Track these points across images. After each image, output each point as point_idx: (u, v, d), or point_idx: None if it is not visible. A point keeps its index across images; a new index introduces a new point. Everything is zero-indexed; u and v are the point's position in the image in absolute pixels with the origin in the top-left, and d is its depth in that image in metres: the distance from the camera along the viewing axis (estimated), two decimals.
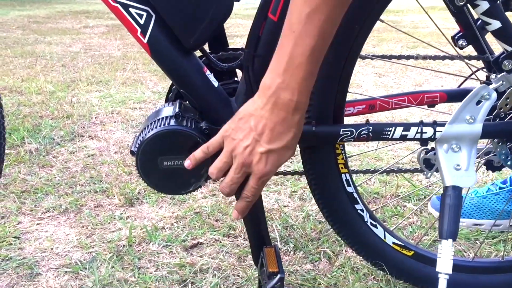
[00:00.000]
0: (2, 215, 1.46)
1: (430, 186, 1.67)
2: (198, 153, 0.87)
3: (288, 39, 0.75)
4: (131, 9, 0.87)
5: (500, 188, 1.41)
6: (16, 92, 2.75)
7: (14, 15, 6.76)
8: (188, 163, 0.88)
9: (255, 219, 0.96)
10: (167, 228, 1.41)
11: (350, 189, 1.04)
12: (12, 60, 3.64)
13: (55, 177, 1.71)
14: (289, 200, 1.59)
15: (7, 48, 4.13)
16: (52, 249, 1.30)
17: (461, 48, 1.22)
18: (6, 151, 1.88)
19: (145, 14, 0.88)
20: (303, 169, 1.05)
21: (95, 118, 2.34)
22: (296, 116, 0.78)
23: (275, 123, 0.78)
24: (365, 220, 1.07)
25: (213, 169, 0.85)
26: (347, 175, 1.03)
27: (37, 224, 1.43)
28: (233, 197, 1.59)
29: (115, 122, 2.31)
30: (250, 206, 0.87)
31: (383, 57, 1.08)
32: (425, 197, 1.60)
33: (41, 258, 1.26)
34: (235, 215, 0.89)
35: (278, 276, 0.87)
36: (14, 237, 1.35)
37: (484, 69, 1.16)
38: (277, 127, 0.78)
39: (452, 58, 1.06)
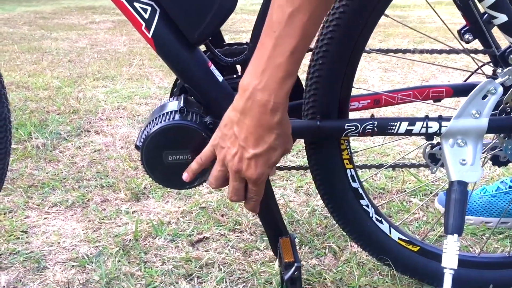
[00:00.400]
0: (10, 209, 1.47)
1: (436, 181, 1.66)
2: (194, 165, 0.87)
3: (269, 39, 0.73)
4: (135, 4, 0.88)
5: (510, 187, 1.40)
6: (23, 88, 2.76)
7: (20, 11, 6.78)
8: (185, 176, 0.88)
9: (268, 212, 0.96)
10: (173, 222, 1.41)
11: (355, 185, 1.04)
12: (19, 56, 3.65)
13: (62, 172, 1.72)
14: (295, 195, 1.59)
15: (14, 44, 4.14)
16: (59, 243, 1.31)
17: (467, 42, 1.21)
18: (14, 146, 1.89)
19: (149, 8, 0.88)
20: (308, 165, 1.05)
21: (102, 113, 2.35)
22: (276, 117, 0.76)
23: (254, 126, 0.77)
24: (371, 215, 1.06)
25: (211, 179, 0.85)
26: (352, 170, 1.03)
27: (44, 218, 1.44)
28: None
29: (121, 117, 2.32)
30: (258, 203, 0.87)
31: (387, 51, 1.08)
32: (431, 193, 1.60)
33: (48, 252, 1.27)
34: (250, 210, 0.89)
35: (295, 265, 0.87)
36: (21, 231, 1.36)
37: (491, 64, 1.15)
38: (257, 130, 0.77)
39: (457, 52, 1.06)
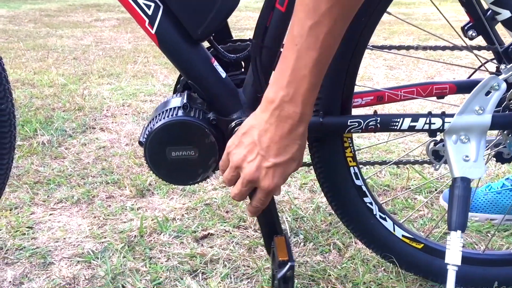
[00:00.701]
0: (16, 206, 1.48)
1: (441, 178, 1.66)
2: (223, 173, 0.88)
3: (291, 52, 0.75)
4: (139, 0, 0.88)
5: None
6: (28, 85, 2.77)
7: (26, 8, 6.79)
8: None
9: (267, 211, 0.96)
10: (178, 219, 1.42)
11: (358, 182, 1.04)
12: (24, 53, 3.66)
13: (67, 169, 1.73)
14: (299, 192, 1.59)
15: (19, 41, 4.16)
16: (64, 239, 1.32)
17: (471, 39, 1.21)
18: (19, 142, 1.90)
19: (153, 4, 0.89)
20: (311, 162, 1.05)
21: (107, 110, 2.36)
22: (301, 128, 0.78)
23: (280, 136, 0.78)
24: (374, 213, 1.07)
25: (224, 179, 0.86)
26: (356, 168, 1.03)
27: (50, 214, 1.45)
28: None
29: (126, 114, 2.32)
30: (261, 210, 0.89)
31: (390, 48, 1.07)
32: (436, 190, 1.60)
33: (54, 247, 1.28)
34: (249, 214, 0.91)
35: (289, 264, 0.88)
36: (27, 227, 1.37)
37: (494, 60, 1.15)
38: (282, 140, 0.78)
39: (460, 49, 1.05)
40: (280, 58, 0.77)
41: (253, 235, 1.34)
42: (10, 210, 1.46)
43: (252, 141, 0.80)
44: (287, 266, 0.88)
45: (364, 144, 1.97)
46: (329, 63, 0.77)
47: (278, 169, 0.80)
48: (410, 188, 1.60)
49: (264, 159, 0.79)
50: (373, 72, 3.20)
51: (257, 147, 0.79)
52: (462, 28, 1.22)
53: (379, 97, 1.10)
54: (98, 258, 1.23)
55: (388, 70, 3.27)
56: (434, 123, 0.95)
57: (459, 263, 0.91)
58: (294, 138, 0.79)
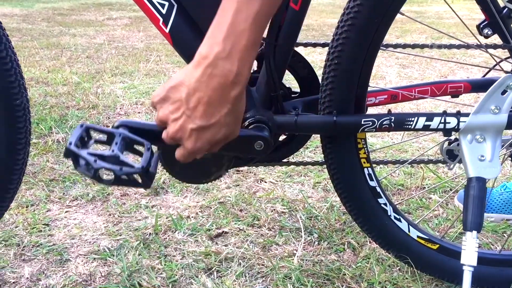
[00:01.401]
0: (32, 203, 1.50)
1: (456, 178, 1.66)
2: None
3: (230, 4, 0.69)
4: None
5: None
6: (42, 83, 2.80)
7: (39, 7, 6.85)
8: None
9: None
10: (192, 217, 1.43)
11: (372, 184, 1.03)
12: (38, 52, 3.70)
13: None
14: (313, 191, 1.59)
15: (33, 40, 4.19)
16: (80, 236, 1.34)
17: (486, 37, 1.20)
18: (34, 140, 1.92)
19: (167, 3, 0.89)
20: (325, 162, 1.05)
21: (120, 108, 2.38)
22: (234, 90, 0.72)
23: (209, 97, 0.72)
24: (389, 214, 1.06)
25: (155, 121, 0.80)
26: (370, 169, 1.03)
27: (66, 211, 1.46)
28: (257, 187, 1.61)
29: (139, 112, 2.34)
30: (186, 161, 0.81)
31: (404, 47, 1.07)
32: (450, 190, 1.59)
33: (70, 244, 1.30)
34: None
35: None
36: (43, 224, 1.39)
37: (510, 59, 1.14)
38: (211, 101, 0.72)
39: (476, 48, 1.05)
40: (218, 11, 0.71)
41: (267, 233, 1.34)
42: (27, 207, 1.48)
43: (179, 98, 0.74)
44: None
45: (377, 143, 1.97)
46: (269, 19, 0.72)
47: (204, 133, 0.74)
48: (425, 187, 1.60)
49: (189, 120, 0.74)
50: (386, 71, 3.19)
51: (184, 106, 0.73)
52: (477, 26, 1.21)
53: (393, 96, 1.09)
54: (114, 256, 1.24)
55: (400, 68, 3.25)
56: (449, 123, 0.94)
57: (475, 264, 0.91)
58: (225, 101, 0.72)
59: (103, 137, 0.82)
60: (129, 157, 0.79)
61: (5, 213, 1.10)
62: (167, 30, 0.90)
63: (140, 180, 0.79)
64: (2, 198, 1.03)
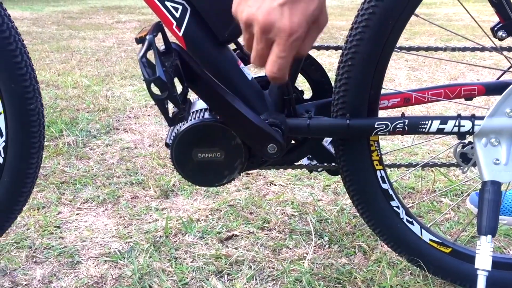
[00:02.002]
0: (43, 205, 1.50)
1: (467, 181, 1.64)
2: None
3: None
4: (167, 3, 0.89)
5: None
6: (53, 86, 2.81)
7: (48, 10, 6.90)
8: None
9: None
10: (202, 220, 1.43)
11: (385, 186, 1.03)
12: (48, 55, 3.72)
13: (93, 169, 1.75)
14: (323, 194, 1.59)
15: (43, 43, 4.22)
16: (91, 238, 1.34)
17: (501, 39, 1.19)
18: (46, 143, 1.92)
19: (180, 7, 0.89)
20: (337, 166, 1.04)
21: (129, 111, 2.38)
22: None
23: None
24: (401, 217, 1.05)
25: (246, 47, 0.74)
26: (382, 171, 1.02)
27: (77, 214, 1.47)
28: (267, 190, 1.60)
29: (148, 115, 2.34)
30: (286, 67, 0.72)
31: (418, 49, 1.07)
32: (462, 193, 1.58)
33: (81, 247, 1.30)
34: (270, 77, 0.74)
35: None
36: (55, 227, 1.39)
37: None
38: None
39: (490, 50, 1.04)
40: None
41: (278, 236, 1.34)
42: (38, 209, 1.48)
43: None
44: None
45: (387, 146, 1.96)
46: None
47: (296, 5, 0.66)
48: (436, 191, 1.59)
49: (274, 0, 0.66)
50: (395, 73, 3.18)
51: None
52: (492, 29, 1.20)
53: (406, 99, 1.09)
54: (124, 258, 1.24)
55: (410, 71, 3.24)
56: (463, 126, 0.93)
57: (489, 268, 0.90)
58: None
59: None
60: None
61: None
62: (180, 34, 0.90)
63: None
64: (16, 202, 1.03)
